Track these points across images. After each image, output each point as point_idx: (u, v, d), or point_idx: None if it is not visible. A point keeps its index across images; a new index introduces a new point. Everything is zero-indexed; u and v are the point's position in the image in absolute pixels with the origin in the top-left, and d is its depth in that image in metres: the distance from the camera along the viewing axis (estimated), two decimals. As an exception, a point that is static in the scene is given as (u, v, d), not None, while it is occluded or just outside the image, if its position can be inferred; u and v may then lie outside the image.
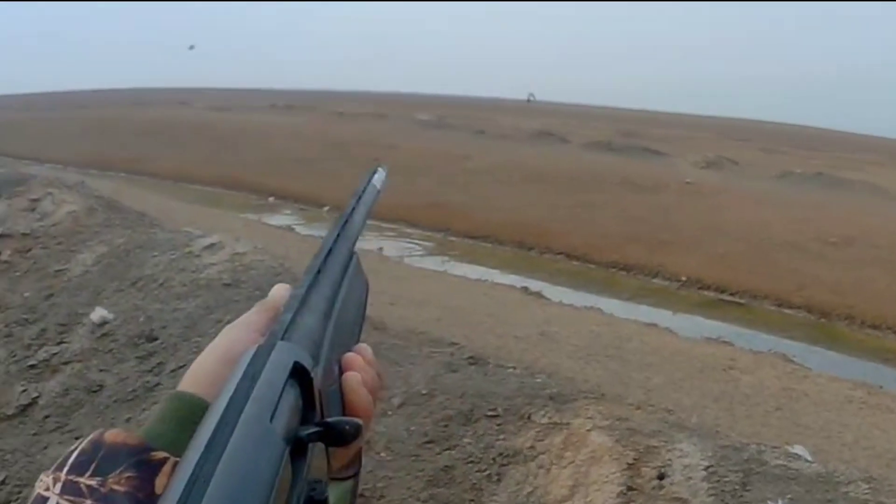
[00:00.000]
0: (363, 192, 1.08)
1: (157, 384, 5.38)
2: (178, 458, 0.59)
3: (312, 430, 0.64)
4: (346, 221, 0.97)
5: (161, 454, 0.69)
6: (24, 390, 5.78)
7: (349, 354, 0.84)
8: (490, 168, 22.37)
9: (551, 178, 21.13)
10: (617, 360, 8.79)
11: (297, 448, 0.61)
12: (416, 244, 16.56)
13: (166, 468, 0.68)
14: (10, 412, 5.66)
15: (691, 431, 4.15)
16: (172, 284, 6.51)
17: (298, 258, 9.68)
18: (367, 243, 15.87)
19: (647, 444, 3.91)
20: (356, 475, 0.89)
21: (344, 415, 0.78)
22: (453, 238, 16.93)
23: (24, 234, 8.53)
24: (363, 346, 0.89)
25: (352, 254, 0.98)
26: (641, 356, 9.03)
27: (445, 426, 4.33)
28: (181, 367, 5.40)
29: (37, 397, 5.72)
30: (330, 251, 0.89)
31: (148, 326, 5.94)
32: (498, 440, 4.16)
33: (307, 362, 0.67)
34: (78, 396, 5.61)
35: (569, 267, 14.95)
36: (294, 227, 17.01)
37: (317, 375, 0.69)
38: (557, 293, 12.56)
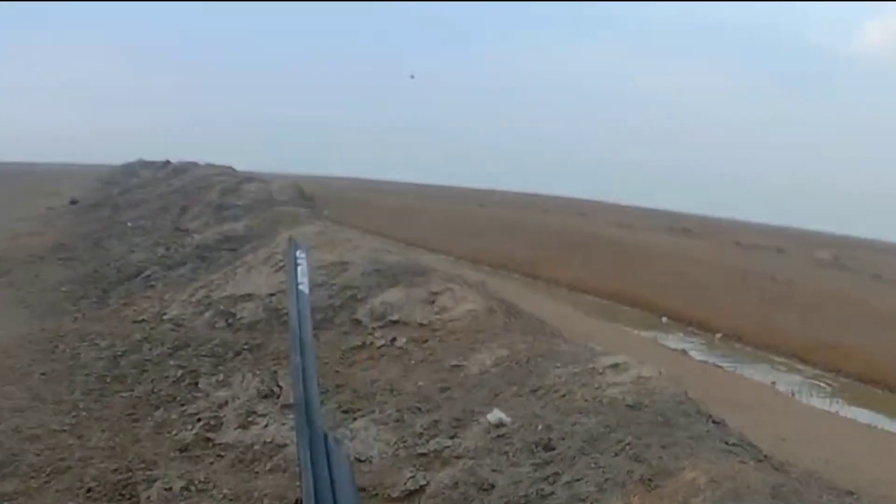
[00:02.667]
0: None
1: (551, 493, 5.29)
2: None
3: None
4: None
5: None
6: (413, 476, 5.87)
7: None
8: (888, 314, 21.15)
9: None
10: None
11: None
12: (807, 381, 16.33)
13: None
14: (395, 494, 5.77)
15: None
16: (574, 398, 6.46)
17: (695, 384, 9.35)
18: (761, 374, 16.10)
19: None
20: None
21: None
22: (843, 379, 16.56)
23: (422, 325, 8.87)
24: None
25: None
26: None
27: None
28: (577, 479, 5.33)
29: (425, 485, 5.80)
30: None
31: (546, 435, 5.92)
32: None
33: None
34: (468, 492, 5.63)
35: (965, 423, 14.28)
36: (688, 350, 16.91)
37: None
38: (954, 450, 11.95)
